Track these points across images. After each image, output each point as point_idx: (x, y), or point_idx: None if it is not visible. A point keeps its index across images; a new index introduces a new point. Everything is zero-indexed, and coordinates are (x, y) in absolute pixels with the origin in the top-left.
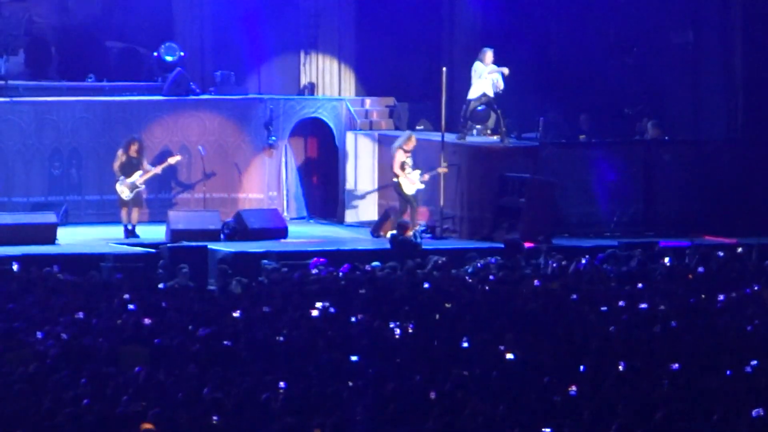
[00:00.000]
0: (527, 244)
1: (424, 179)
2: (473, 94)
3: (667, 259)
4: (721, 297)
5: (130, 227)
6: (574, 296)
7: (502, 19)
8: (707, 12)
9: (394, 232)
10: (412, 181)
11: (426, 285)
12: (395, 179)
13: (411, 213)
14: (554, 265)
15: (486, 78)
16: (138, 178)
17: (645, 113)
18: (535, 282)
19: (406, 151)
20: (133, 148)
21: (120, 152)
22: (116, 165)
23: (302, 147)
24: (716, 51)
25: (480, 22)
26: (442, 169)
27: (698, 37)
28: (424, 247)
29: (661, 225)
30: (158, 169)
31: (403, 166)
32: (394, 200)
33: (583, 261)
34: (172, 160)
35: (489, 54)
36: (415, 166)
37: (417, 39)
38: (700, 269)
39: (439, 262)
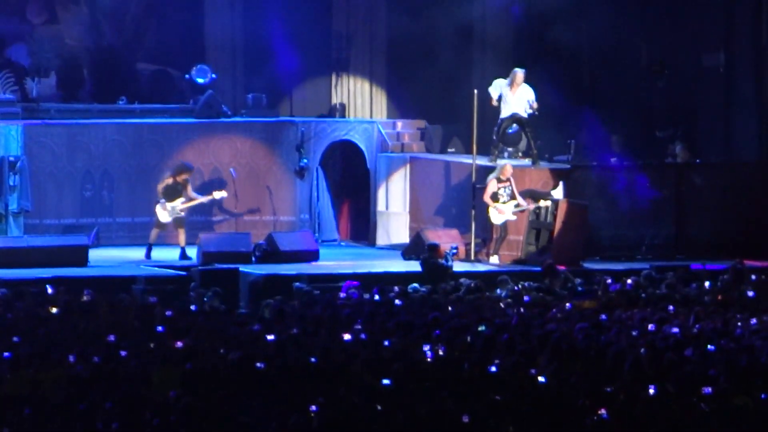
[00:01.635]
0: (559, 267)
1: (515, 212)
2: (504, 113)
3: (702, 283)
4: (753, 321)
5: (179, 249)
6: (604, 317)
7: (533, 40)
8: (739, 34)
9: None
10: (500, 211)
11: (457, 308)
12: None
13: (495, 242)
14: (585, 287)
15: (519, 98)
16: (179, 204)
17: (676, 136)
18: (567, 305)
19: (501, 181)
20: (184, 176)
21: (168, 175)
22: (161, 186)
23: (334, 169)
24: (748, 73)
25: (510, 43)
26: (544, 204)
27: (730, 59)
28: (455, 270)
29: (694, 248)
30: (203, 199)
31: (495, 197)
32: (427, 223)
33: (615, 283)
34: (217, 195)
35: (520, 75)
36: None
37: (448, 60)
38: (734, 292)
39: (472, 285)
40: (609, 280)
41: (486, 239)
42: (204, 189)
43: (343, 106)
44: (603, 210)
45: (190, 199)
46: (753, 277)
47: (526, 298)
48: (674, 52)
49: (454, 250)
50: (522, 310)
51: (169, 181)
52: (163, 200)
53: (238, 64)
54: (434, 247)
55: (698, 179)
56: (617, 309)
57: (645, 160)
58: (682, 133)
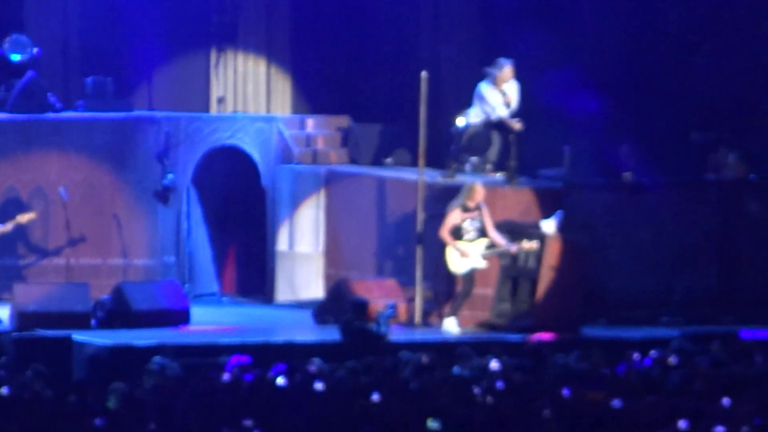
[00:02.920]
0: (544, 335)
1: (487, 256)
2: (474, 117)
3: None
4: None
5: None
6: (617, 406)
7: (508, 5)
8: None
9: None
10: (464, 254)
11: (399, 398)
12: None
13: (455, 298)
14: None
15: (495, 98)
16: None
17: (722, 140)
18: (564, 391)
19: (467, 210)
20: None
21: None
22: None
23: (213, 189)
24: None
25: (476, 6)
26: (528, 245)
27: None
28: (392, 338)
29: (745, 306)
30: (6, 228)
31: (458, 232)
32: (350, 270)
33: (630, 359)
34: (23, 219)
35: (508, 70)
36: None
37: (384, 31)
38: None
39: (422, 361)
40: (634, 356)
41: (440, 294)
42: (7, 214)
43: (235, 99)
44: (613, 250)
45: None
46: None
47: (498, 383)
48: (718, 15)
49: (391, 311)
50: (490, 399)
51: None
52: None
53: (72, 35)
54: (361, 306)
55: (754, 205)
56: (633, 396)
57: (674, 177)
58: (731, 136)
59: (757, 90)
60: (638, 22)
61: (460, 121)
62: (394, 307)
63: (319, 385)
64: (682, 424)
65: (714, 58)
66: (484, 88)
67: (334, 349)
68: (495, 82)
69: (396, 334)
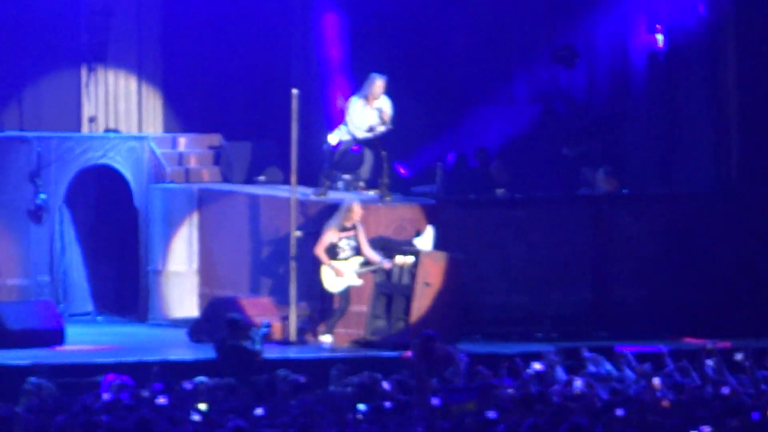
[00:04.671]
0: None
1: (361, 273)
2: (345, 134)
3: (637, 372)
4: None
5: None
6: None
7: (374, 15)
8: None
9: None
10: (339, 272)
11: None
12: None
13: (334, 316)
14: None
15: (367, 113)
16: None
17: (592, 155)
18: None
19: (344, 229)
20: None
21: None
22: None
23: (86, 209)
24: (697, 57)
25: (346, 25)
26: (402, 260)
27: (673, 38)
28: (268, 356)
29: (618, 320)
30: None
31: (334, 251)
32: (225, 288)
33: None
34: None
35: (379, 83)
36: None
37: (254, 52)
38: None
39: (301, 380)
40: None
41: (315, 311)
42: None
43: (107, 118)
44: (487, 266)
45: None
46: (709, 362)
47: (386, 404)
48: (590, 32)
49: (266, 329)
50: (358, 416)
51: None
52: None
53: None
54: (235, 323)
55: (625, 219)
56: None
57: (547, 191)
58: (601, 150)
59: (627, 104)
60: (505, 33)
61: (332, 139)
62: (268, 325)
63: (201, 404)
64: None
65: (583, 72)
66: (354, 105)
67: (209, 366)
68: (367, 98)
69: (271, 352)
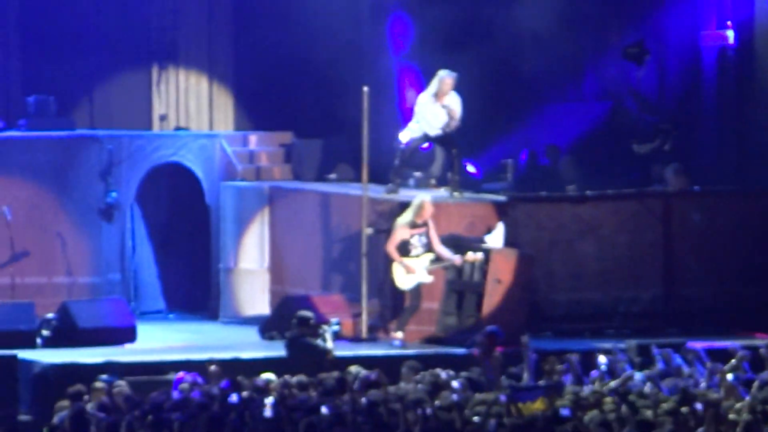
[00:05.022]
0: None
1: (431, 269)
2: (416, 131)
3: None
4: None
5: None
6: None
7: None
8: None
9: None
10: (410, 270)
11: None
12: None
13: (405, 313)
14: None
15: (437, 110)
16: None
17: (663, 152)
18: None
19: (415, 226)
20: None
21: None
22: None
23: (157, 207)
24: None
25: (419, 18)
26: (472, 257)
27: (745, 36)
28: (338, 353)
29: (690, 317)
30: None
31: (405, 248)
32: (296, 286)
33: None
34: None
35: (448, 80)
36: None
37: (327, 44)
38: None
39: (372, 377)
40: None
41: (386, 308)
42: None
43: (177, 116)
44: (557, 262)
45: None
46: None
47: (455, 397)
48: (660, 29)
49: (336, 327)
50: (428, 411)
51: None
52: None
53: (13, 53)
54: (306, 321)
55: (697, 217)
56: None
57: (618, 188)
58: (673, 147)
59: (698, 101)
60: (574, 30)
61: (403, 136)
62: (339, 323)
63: (268, 400)
64: None
65: (654, 68)
66: (423, 102)
67: (280, 364)
68: (436, 96)
69: (342, 349)
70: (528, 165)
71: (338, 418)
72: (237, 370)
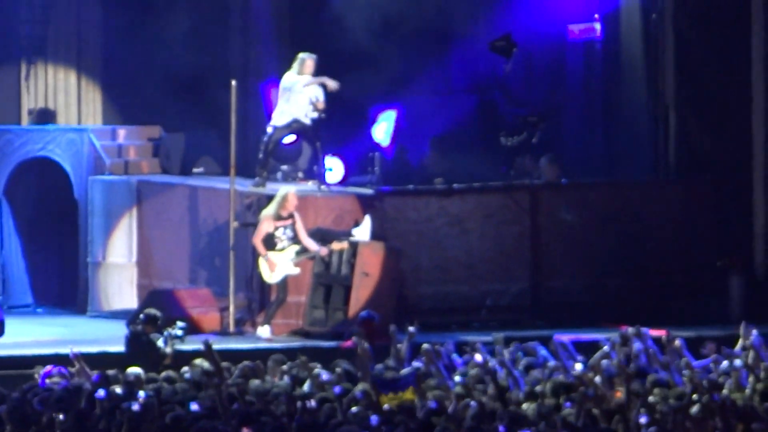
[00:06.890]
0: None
1: (297, 263)
2: (279, 119)
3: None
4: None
5: None
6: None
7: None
8: None
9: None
10: (273, 264)
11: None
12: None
13: (272, 306)
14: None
15: (301, 94)
16: None
17: (531, 146)
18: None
19: (280, 218)
20: None
21: None
22: None
23: (25, 201)
24: (637, 46)
25: (286, 11)
26: (338, 246)
27: (610, 27)
28: (182, 348)
29: (558, 309)
30: None
31: (271, 241)
32: (164, 280)
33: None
34: None
35: (309, 63)
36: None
37: (193, 39)
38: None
39: (246, 368)
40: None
41: (253, 301)
42: None
43: (44, 111)
44: (424, 255)
45: None
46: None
47: (306, 386)
48: (528, 22)
49: (179, 331)
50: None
51: None
52: None
53: None
54: (154, 320)
55: (565, 209)
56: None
57: (485, 181)
58: (540, 140)
59: (565, 93)
60: (439, 22)
61: (275, 120)
62: (184, 328)
63: (140, 395)
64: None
65: (521, 62)
66: (289, 81)
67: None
68: (299, 76)
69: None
70: (395, 158)
71: (206, 411)
72: (105, 363)
